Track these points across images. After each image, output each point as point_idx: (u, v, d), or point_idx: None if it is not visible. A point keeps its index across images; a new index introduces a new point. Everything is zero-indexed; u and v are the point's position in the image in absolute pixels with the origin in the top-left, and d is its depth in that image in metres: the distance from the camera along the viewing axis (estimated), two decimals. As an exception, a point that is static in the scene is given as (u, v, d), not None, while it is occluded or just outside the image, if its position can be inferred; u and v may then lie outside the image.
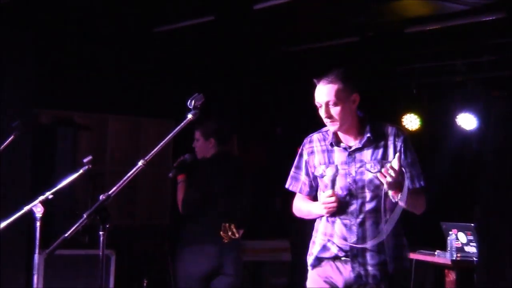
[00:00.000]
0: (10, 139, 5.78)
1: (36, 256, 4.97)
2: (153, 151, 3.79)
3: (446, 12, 7.92)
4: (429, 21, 8.22)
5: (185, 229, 6.30)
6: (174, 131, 3.84)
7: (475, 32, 8.41)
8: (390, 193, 4.19)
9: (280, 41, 10.10)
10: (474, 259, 8.16)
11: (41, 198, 4.90)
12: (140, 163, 3.73)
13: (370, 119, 4.65)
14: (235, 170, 6.57)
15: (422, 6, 7.83)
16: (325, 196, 4.45)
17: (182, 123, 3.80)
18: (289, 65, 11.45)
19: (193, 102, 3.79)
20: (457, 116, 9.53)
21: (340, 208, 4.45)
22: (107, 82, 10.63)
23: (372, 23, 8.31)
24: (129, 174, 3.69)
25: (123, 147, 10.95)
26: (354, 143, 4.55)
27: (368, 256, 4.43)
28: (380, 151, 4.45)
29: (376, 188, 4.36)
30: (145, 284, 9.18)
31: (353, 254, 4.47)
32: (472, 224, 8.35)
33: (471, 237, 8.31)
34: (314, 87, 4.74)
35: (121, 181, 3.65)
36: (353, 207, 4.44)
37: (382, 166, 4.27)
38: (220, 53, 11.00)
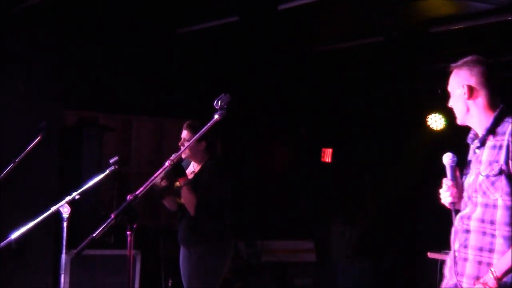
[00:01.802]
0: (36, 140, 5.83)
1: (63, 256, 5.00)
2: (179, 152, 3.81)
3: (471, 11, 7.88)
4: (454, 21, 8.18)
5: (204, 229, 6.19)
6: (201, 131, 3.85)
7: (500, 31, 8.35)
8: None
9: (304, 41, 10.08)
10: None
11: (68, 198, 4.93)
12: (167, 163, 3.74)
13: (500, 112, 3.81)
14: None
15: (447, 5, 7.79)
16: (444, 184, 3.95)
17: (209, 124, 3.81)
18: (314, 66, 11.44)
19: (219, 102, 3.79)
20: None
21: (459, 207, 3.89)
22: (131, 84, 10.67)
23: (397, 23, 8.27)
24: (156, 174, 3.70)
25: (147, 148, 10.99)
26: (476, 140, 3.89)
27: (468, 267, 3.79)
28: (495, 151, 3.71)
29: (484, 195, 3.71)
30: (170, 284, 9.20)
31: (455, 262, 3.84)
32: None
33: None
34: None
35: (148, 181, 3.67)
36: (466, 211, 3.84)
37: (492, 170, 3.67)
38: (244, 54, 11.01)
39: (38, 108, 7.65)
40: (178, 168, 5.99)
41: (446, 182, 3.91)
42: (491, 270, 3.54)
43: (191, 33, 9.28)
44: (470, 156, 3.91)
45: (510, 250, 3.53)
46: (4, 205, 7.02)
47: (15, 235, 5.05)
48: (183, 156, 6.15)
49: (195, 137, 3.90)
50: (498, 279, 3.51)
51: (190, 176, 6.13)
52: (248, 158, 11.89)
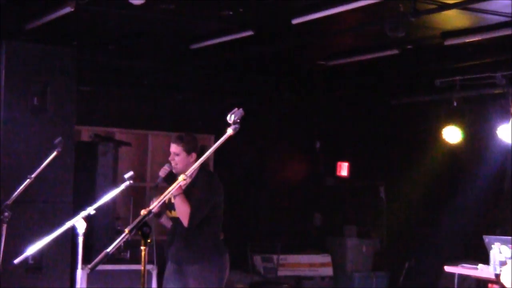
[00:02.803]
0: (52, 155, 5.84)
1: (79, 271, 5.01)
2: (193, 166, 3.81)
3: (485, 23, 7.87)
4: (469, 33, 8.17)
5: (199, 245, 6.13)
6: (215, 146, 3.84)
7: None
8: None
9: (318, 55, 10.09)
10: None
11: (83, 213, 4.94)
12: (181, 178, 3.74)
13: None
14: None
15: (461, 18, 7.78)
16: None
17: (223, 138, 3.80)
18: (329, 79, 11.45)
19: (233, 116, 3.79)
20: (497, 129, 9.43)
21: None
22: (146, 99, 10.72)
23: (412, 36, 8.27)
24: (170, 189, 3.70)
25: (163, 162, 10.97)
26: None
27: None
28: None
29: None
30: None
31: None
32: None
33: (515, 251, 8.20)
34: None
35: (163, 196, 3.67)
36: None
37: None
38: (258, 68, 11.03)
39: (54, 124, 7.68)
40: (171, 178, 5.96)
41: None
42: None
43: (205, 49, 9.31)
44: None
45: None
46: (20, 220, 7.04)
47: (31, 250, 5.06)
48: (174, 170, 6.07)
49: (207, 153, 3.88)
50: None
51: (182, 187, 6.08)
52: (264, 171, 11.89)
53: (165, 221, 6.22)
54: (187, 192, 6.00)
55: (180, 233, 6.04)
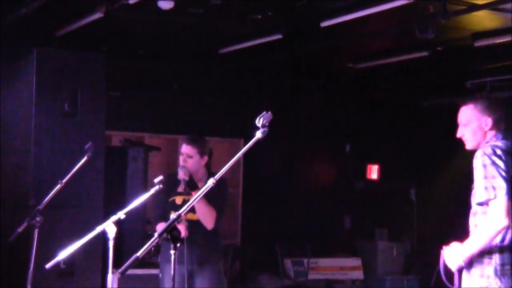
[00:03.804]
0: (83, 161, 5.87)
1: (109, 275, 5.02)
2: (222, 170, 3.81)
3: (516, 24, 7.81)
4: (499, 34, 8.10)
5: (216, 243, 6.14)
6: (244, 149, 3.84)
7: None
8: None
9: (348, 57, 10.07)
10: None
11: (114, 218, 4.95)
12: (210, 182, 3.74)
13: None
14: None
15: (491, 19, 7.72)
16: None
17: (251, 142, 3.80)
18: (358, 82, 11.41)
19: (261, 120, 3.78)
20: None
21: None
22: (176, 103, 10.75)
23: (441, 38, 8.22)
24: (199, 193, 3.71)
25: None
26: None
27: None
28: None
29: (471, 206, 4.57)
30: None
31: None
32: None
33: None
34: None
35: (192, 200, 3.67)
36: None
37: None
38: (287, 71, 11.03)
39: (84, 129, 7.72)
40: (191, 181, 5.94)
41: None
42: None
43: (234, 52, 9.33)
44: None
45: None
46: (52, 225, 7.08)
47: (63, 254, 5.09)
48: (181, 174, 6.07)
49: (236, 157, 3.88)
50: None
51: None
52: (294, 175, 11.87)
53: (182, 226, 6.20)
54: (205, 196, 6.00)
55: (196, 235, 6.01)
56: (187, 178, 5.95)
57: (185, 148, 6.13)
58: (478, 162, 4.39)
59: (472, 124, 4.62)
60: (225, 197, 6.09)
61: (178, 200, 6.13)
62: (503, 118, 4.61)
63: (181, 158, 6.16)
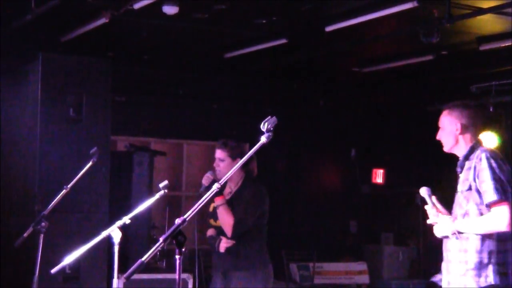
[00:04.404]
0: (88, 165, 5.87)
1: (115, 280, 5.02)
2: (227, 175, 3.81)
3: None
4: (504, 38, 8.10)
5: (246, 253, 6.07)
6: (248, 154, 3.84)
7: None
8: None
9: (353, 62, 10.07)
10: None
11: (119, 223, 4.95)
12: (215, 186, 3.74)
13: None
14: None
15: (496, 23, 7.72)
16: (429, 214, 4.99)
17: (256, 147, 3.79)
18: (363, 86, 11.41)
19: (266, 125, 3.78)
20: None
21: None
22: (181, 108, 10.77)
23: (446, 41, 8.22)
24: (204, 198, 3.70)
25: (198, 171, 11.04)
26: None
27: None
28: (468, 172, 4.73)
29: (460, 207, 4.75)
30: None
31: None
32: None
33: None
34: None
35: (196, 205, 3.67)
36: None
37: (465, 186, 4.71)
38: (293, 76, 11.03)
39: (89, 134, 7.73)
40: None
41: (428, 208, 4.89)
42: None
43: (239, 57, 9.33)
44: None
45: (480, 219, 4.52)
46: (57, 230, 7.09)
47: (68, 259, 5.09)
48: (219, 176, 5.99)
49: (241, 162, 3.88)
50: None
51: (227, 197, 6.04)
52: (299, 179, 11.87)
53: (211, 230, 6.17)
54: (233, 202, 5.97)
55: (234, 240, 5.95)
56: (206, 184, 5.91)
57: (216, 152, 6.11)
58: (485, 164, 4.55)
59: (446, 129, 4.87)
60: (250, 208, 5.97)
61: (211, 207, 6.11)
62: (475, 124, 4.80)
63: (215, 163, 6.13)
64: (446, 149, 4.94)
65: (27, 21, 7.43)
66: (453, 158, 5.09)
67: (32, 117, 7.66)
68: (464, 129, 4.79)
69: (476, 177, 4.59)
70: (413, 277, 11.70)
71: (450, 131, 4.84)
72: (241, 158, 5.99)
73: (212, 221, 6.11)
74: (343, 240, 12.11)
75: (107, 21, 7.28)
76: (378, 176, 12.33)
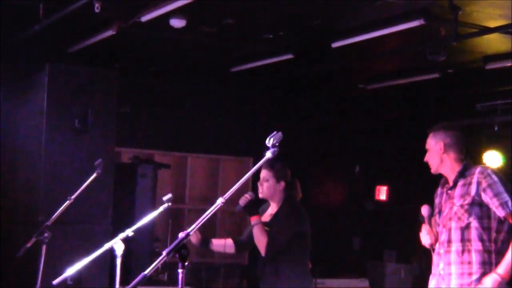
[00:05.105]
0: (92, 177, 5.87)
1: (117, 293, 5.01)
2: (231, 189, 3.80)
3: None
4: (510, 57, 8.10)
5: (293, 269, 6.09)
6: (253, 169, 3.84)
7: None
8: None
9: (359, 78, 10.08)
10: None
11: (122, 235, 4.95)
12: (219, 201, 3.73)
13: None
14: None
15: (502, 42, 7.72)
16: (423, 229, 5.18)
17: (261, 161, 3.79)
18: (368, 102, 11.41)
19: (272, 140, 3.78)
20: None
21: None
22: (186, 121, 10.78)
23: (453, 60, 8.23)
24: (208, 212, 3.70)
25: (202, 185, 11.04)
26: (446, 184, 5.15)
27: (453, 279, 4.88)
28: (466, 187, 4.90)
29: (459, 220, 4.85)
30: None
31: (442, 278, 5.02)
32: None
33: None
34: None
35: (200, 219, 3.66)
36: (442, 238, 5.01)
37: (465, 200, 4.83)
38: (298, 91, 11.04)
39: (94, 145, 7.74)
40: (251, 207, 5.90)
41: (425, 228, 5.07)
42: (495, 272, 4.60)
43: (246, 71, 9.35)
44: (440, 197, 5.17)
45: (509, 252, 4.58)
46: (60, 241, 7.08)
47: (70, 271, 5.09)
48: (261, 195, 6.05)
49: (245, 176, 3.88)
50: (503, 277, 4.56)
51: (268, 218, 6.04)
52: (303, 194, 11.84)
53: (217, 247, 6.18)
54: (272, 223, 5.99)
55: (267, 261, 5.99)
56: (243, 204, 5.91)
57: (262, 172, 6.12)
58: (495, 179, 4.76)
59: (431, 150, 5.09)
60: (284, 228, 5.99)
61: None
62: (457, 143, 5.04)
63: (259, 182, 6.15)
64: (433, 170, 5.18)
65: (35, 31, 7.46)
66: (456, 175, 5.14)
67: (38, 127, 7.68)
68: (447, 148, 5.01)
69: (482, 191, 4.74)
70: (415, 295, 11.67)
71: (435, 151, 5.07)
72: (284, 180, 6.05)
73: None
74: (345, 257, 12.08)
75: (114, 33, 7.30)
76: (382, 193, 12.32)
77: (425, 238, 5.07)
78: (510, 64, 8.20)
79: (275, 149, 3.77)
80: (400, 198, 12.13)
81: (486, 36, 7.38)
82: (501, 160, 10.09)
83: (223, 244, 6.17)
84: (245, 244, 6.20)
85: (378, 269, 11.81)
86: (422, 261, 11.85)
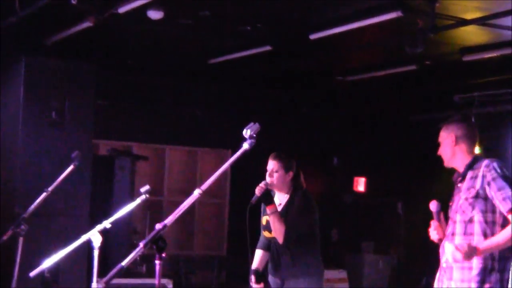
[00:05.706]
0: (69, 169, 5.85)
1: (94, 284, 5.01)
2: (208, 181, 3.80)
3: (504, 39, 7.85)
4: (487, 49, 8.15)
5: (301, 261, 6.15)
6: (230, 160, 3.83)
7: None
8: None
9: (336, 70, 10.09)
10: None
11: (99, 227, 4.94)
12: (196, 192, 3.73)
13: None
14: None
15: (480, 34, 7.77)
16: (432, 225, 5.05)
17: (238, 153, 3.79)
18: (346, 94, 11.43)
19: (248, 131, 3.77)
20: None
21: None
22: (164, 113, 10.75)
23: (430, 52, 8.26)
24: (184, 204, 3.69)
25: (180, 177, 11.03)
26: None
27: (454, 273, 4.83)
28: (472, 180, 4.83)
29: (463, 213, 4.80)
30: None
31: (444, 271, 4.95)
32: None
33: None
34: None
35: (177, 210, 3.66)
36: (448, 230, 4.95)
37: (470, 193, 4.77)
38: (276, 83, 11.04)
39: (72, 137, 7.71)
40: (267, 196, 5.97)
41: (434, 223, 4.98)
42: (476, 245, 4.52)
43: (223, 63, 9.34)
44: (455, 191, 4.97)
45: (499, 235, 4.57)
46: (37, 233, 7.05)
47: (47, 263, 5.07)
48: (272, 186, 6.13)
49: (222, 168, 3.87)
50: (479, 251, 4.50)
51: (278, 208, 6.08)
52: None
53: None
54: (285, 212, 6.06)
55: (283, 250, 6.09)
56: (259, 194, 5.98)
57: (271, 163, 6.24)
58: (499, 173, 4.71)
59: (444, 142, 5.03)
60: (301, 215, 6.08)
61: (264, 220, 6.20)
62: (469, 136, 4.98)
63: (269, 173, 6.19)
64: (445, 163, 5.09)
65: (11, 23, 7.40)
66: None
67: (14, 120, 7.63)
68: (459, 140, 4.95)
69: (486, 185, 4.70)
70: (393, 286, 11.71)
71: (447, 144, 5.00)
72: (292, 171, 6.11)
73: (266, 233, 6.19)
74: (324, 248, 12.09)
75: (91, 25, 7.26)
76: (360, 185, 12.36)
77: (433, 233, 5.01)
78: (487, 56, 8.24)
79: (252, 140, 3.77)
80: (378, 190, 12.17)
81: (463, 28, 7.41)
82: (478, 152, 10.13)
83: (266, 259, 6.27)
84: (269, 244, 6.24)
85: (356, 260, 11.86)
86: (400, 252, 11.92)
